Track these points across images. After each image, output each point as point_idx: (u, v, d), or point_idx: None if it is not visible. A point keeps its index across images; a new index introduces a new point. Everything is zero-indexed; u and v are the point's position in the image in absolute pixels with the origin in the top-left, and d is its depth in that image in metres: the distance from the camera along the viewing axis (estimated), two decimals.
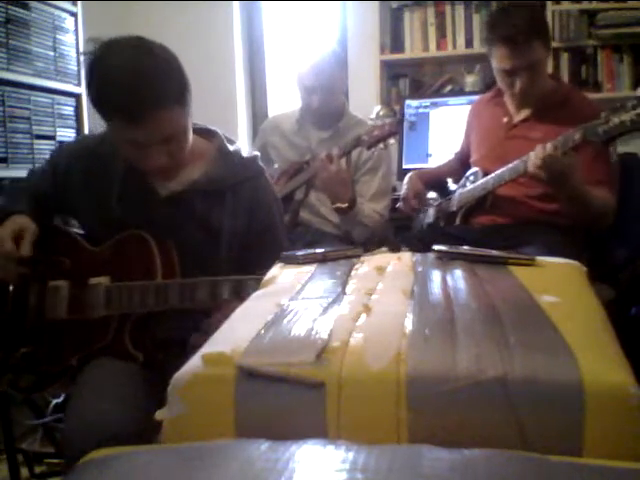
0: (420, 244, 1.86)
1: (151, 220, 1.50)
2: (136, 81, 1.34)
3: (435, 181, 2.41)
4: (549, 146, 1.81)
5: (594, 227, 2.03)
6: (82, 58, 1.42)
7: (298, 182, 2.40)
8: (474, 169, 2.22)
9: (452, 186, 2.34)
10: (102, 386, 1.33)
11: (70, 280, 1.52)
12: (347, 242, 2.30)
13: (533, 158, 1.84)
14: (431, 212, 2.33)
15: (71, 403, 1.33)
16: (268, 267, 1.23)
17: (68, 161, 1.59)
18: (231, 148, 1.58)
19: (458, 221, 2.20)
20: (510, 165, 1.99)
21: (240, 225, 1.54)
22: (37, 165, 1.72)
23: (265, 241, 1.56)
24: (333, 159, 2.20)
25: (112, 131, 1.44)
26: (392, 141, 2.24)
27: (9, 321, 1.56)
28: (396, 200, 2.50)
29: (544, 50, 2.03)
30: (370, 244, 2.16)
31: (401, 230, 2.52)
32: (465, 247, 1.20)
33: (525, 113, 2.14)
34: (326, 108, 2.45)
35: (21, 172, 1.83)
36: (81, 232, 1.64)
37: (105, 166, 1.54)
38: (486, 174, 2.13)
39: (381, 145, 2.22)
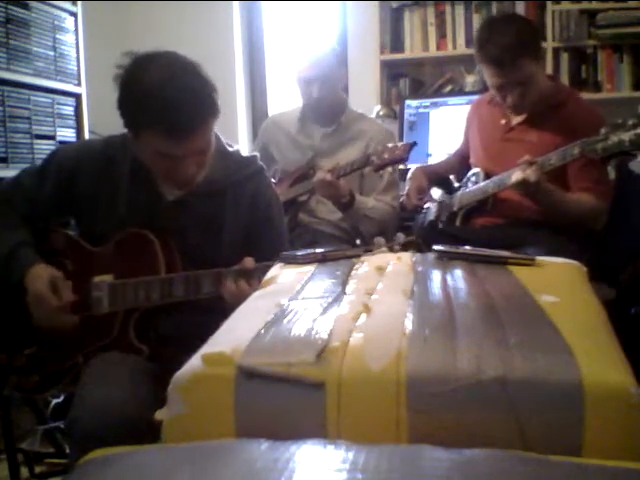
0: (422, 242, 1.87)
1: (157, 224, 1.51)
2: (185, 97, 1.36)
3: (438, 177, 2.41)
4: (530, 171, 1.87)
5: (581, 229, 2.05)
6: (116, 71, 1.42)
7: (302, 189, 2.40)
8: (476, 169, 2.22)
9: (456, 184, 2.35)
10: (107, 374, 1.34)
11: (73, 280, 1.53)
12: (349, 239, 2.30)
13: (514, 178, 1.92)
14: (432, 211, 2.33)
15: (78, 391, 1.34)
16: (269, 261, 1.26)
17: (74, 163, 1.59)
18: (230, 150, 1.61)
19: (458, 222, 2.21)
20: (510, 172, 2.00)
21: (242, 224, 1.58)
22: (24, 173, 1.68)
23: (265, 237, 1.59)
24: (332, 184, 2.22)
25: (146, 142, 1.43)
26: (401, 166, 2.24)
27: (13, 323, 1.57)
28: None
29: (534, 63, 2.02)
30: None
31: (404, 229, 2.52)
32: (465, 247, 1.20)
33: (522, 116, 2.15)
34: (325, 101, 2.44)
35: None
36: (78, 234, 1.64)
37: (112, 169, 1.56)
38: (487, 175, 2.14)
39: (389, 169, 2.22)
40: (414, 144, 2.27)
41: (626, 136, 1.69)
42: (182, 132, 1.37)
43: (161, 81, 1.37)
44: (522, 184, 1.90)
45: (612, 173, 2.05)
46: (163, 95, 1.36)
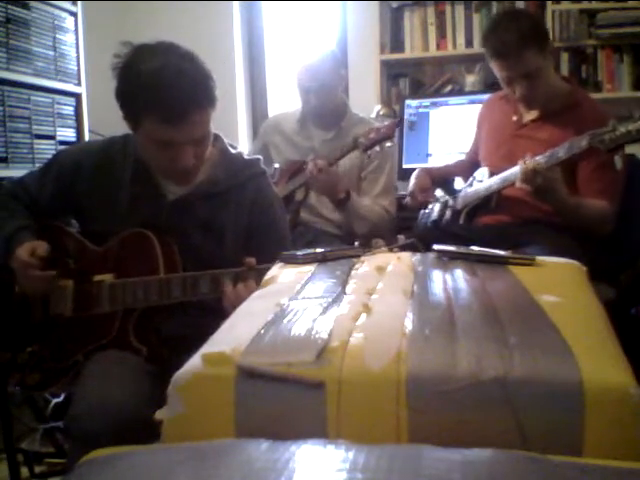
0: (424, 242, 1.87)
1: (158, 223, 1.52)
2: (180, 81, 1.38)
3: (443, 179, 2.41)
4: (531, 162, 1.87)
5: (589, 234, 2.04)
6: (114, 61, 1.43)
7: (298, 183, 2.41)
8: (482, 169, 2.22)
9: (458, 185, 2.34)
10: (107, 373, 1.35)
11: (74, 278, 1.53)
12: (348, 240, 2.29)
13: (518, 172, 1.90)
14: (436, 210, 2.33)
15: (77, 389, 1.35)
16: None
17: (75, 163, 1.60)
18: (233, 151, 1.62)
19: (462, 220, 2.21)
20: (514, 168, 2.00)
21: (243, 226, 1.58)
22: (28, 173, 1.71)
23: (269, 239, 1.58)
24: (322, 170, 2.23)
25: (144, 131, 1.43)
26: (389, 144, 2.25)
27: (15, 320, 1.57)
28: (398, 200, 2.50)
29: (541, 57, 2.03)
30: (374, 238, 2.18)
31: (405, 229, 2.51)
32: (465, 247, 1.20)
33: (535, 113, 2.15)
34: (325, 108, 2.45)
35: (21, 172, 1.83)
36: (79, 233, 1.64)
37: (113, 169, 1.57)
38: (493, 173, 2.14)
39: (377, 148, 2.23)
40: (400, 121, 2.29)
41: (634, 127, 1.70)
42: (177, 115, 1.38)
43: (156, 68, 1.38)
44: (524, 175, 1.88)
45: (619, 163, 2.04)
46: (158, 80, 1.37)
